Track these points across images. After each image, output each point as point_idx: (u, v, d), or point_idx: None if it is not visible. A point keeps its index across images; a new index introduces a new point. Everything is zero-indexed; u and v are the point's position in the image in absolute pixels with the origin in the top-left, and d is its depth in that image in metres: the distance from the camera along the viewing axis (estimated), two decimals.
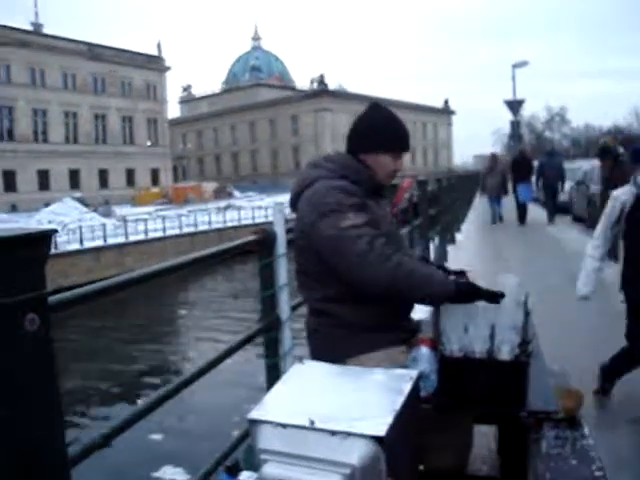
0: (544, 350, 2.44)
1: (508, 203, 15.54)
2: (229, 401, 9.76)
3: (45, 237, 1.16)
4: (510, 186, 15.39)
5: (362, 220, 1.89)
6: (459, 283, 1.90)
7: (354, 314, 1.97)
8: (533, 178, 14.55)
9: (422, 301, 1.99)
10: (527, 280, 2.34)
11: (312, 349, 2.10)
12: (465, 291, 1.87)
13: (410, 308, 2.14)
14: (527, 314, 2.00)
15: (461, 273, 2.16)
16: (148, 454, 8.41)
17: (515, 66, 24.15)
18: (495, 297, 1.87)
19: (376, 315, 1.97)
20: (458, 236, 12.13)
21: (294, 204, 2.11)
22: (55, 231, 1.26)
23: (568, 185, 14.53)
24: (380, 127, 2.12)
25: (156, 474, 7.89)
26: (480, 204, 19.55)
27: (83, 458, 1.40)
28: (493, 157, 16.99)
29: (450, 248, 9.93)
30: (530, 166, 14.83)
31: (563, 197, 14.62)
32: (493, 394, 1.90)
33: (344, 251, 1.85)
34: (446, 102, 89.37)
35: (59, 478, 1.17)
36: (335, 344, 1.97)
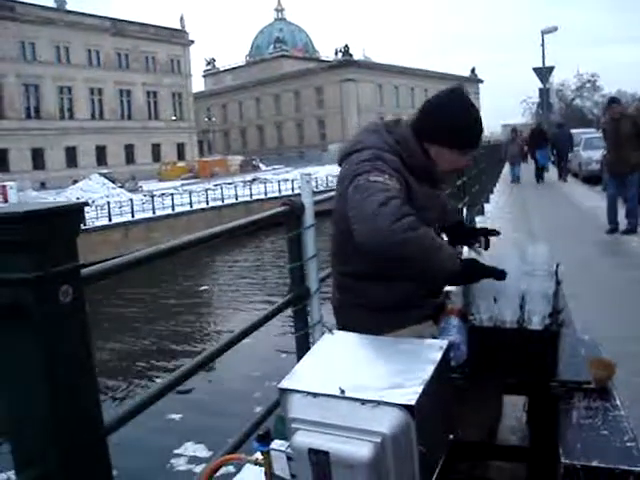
0: (575, 320, 2.42)
1: (526, 167, 19.94)
2: (257, 374, 9.89)
3: (77, 210, 1.17)
4: (529, 153, 19.78)
5: (395, 185, 1.78)
6: (466, 261, 1.85)
7: (377, 293, 1.93)
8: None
9: (424, 273, 1.83)
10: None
11: (338, 326, 2.09)
12: (470, 270, 1.82)
13: (439, 287, 2.08)
14: (558, 283, 1.97)
15: (486, 231, 2.18)
16: (170, 430, 8.49)
17: (544, 32, 23.59)
18: (500, 275, 1.83)
19: (401, 294, 1.92)
20: (487, 206, 11.99)
21: (341, 162, 2.01)
22: (86, 204, 1.27)
23: (599, 153, 14.88)
24: (457, 123, 1.94)
25: (177, 451, 7.98)
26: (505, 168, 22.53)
27: (119, 427, 1.43)
28: (514, 130, 20.92)
29: (478, 219, 9.83)
30: (545, 136, 18.76)
31: (594, 166, 16.54)
32: (523, 364, 1.88)
33: (366, 197, 1.72)
34: (473, 71, 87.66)
35: (96, 445, 1.20)
36: (358, 323, 1.89)
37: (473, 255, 2.09)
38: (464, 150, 2.00)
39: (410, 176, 1.90)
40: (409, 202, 1.81)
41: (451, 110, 1.95)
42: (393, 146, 1.92)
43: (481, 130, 2.01)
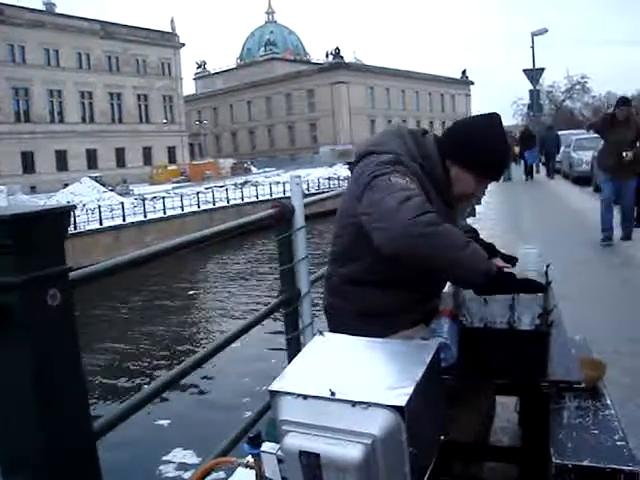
0: (565, 320, 2.42)
1: (516, 167, 21.55)
2: (247, 377, 9.85)
3: (64, 213, 1.16)
4: (519, 153, 21.13)
5: (415, 187, 1.72)
6: (501, 270, 1.75)
7: (369, 299, 1.91)
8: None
9: (454, 271, 1.70)
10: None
11: (329, 329, 2.06)
12: (507, 278, 1.73)
13: (433, 292, 2.04)
14: (548, 283, 1.98)
15: (504, 257, 2.05)
16: (158, 438, 8.41)
17: (534, 34, 23.76)
18: (537, 288, 1.78)
19: (396, 300, 1.90)
20: (478, 208, 12.03)
21: (358, 160, 1.94)
22: (73, 207, 1.26)
23: (589, 154, 15.34)
24: (488, 151, 1.88)
25: (165, 457, 7.89)
26: None
27: (108, 431, 1.42)
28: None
29: (470, 220, 9.87)
30: (534, 138, 20.69)
31: (585, 168, 16.62)
32: (514, 364, 1.89)
33: (386, 194, 1.66)
34: (464, 72, 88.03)
35: (85, 450, 1.19)
36: (349, 327, 1.84)
37: None
38: (485, 179, 1.97)
39: (429, 185, 1.86)
40: None
41: (486, 136, 1.90)
42: (415, 154, 1.88)
43: (507, 164, 1.98)
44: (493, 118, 1.93)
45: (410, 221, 1.59)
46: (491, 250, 2.08)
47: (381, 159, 1.82)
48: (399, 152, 1.85)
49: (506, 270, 1.79)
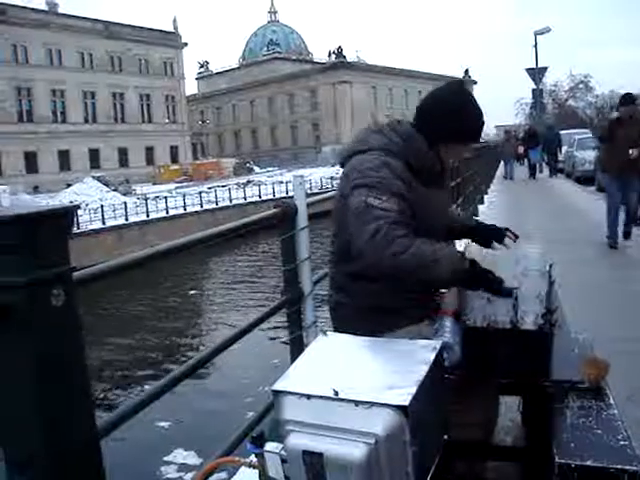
0: (568, 319, 2.42)
1: (518, 166, 22.54)
2: (250, 377, 9.85)
3: (67, 213, 1.16)
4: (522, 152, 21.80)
5: (394, 207, 1.79)
6: (470, 271, 1.79)
7: (375, 294, 1.93)
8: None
9: (436, 283, 1.93)
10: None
11: (334, 326, 2.09)
12: (475, 278, 1.79)
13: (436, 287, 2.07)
14: (551, 283, 1.98)
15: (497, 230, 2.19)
16: (160, 438, 8.42)
17: (537, 33, 23.73)
18: (508, 293, 1.81)
19: (398, 295, 1.92)
20: (481, 208, 12.01)
21: (343, 163, 2.02)
22: (77, 207, 1.26)
23: (592, 153, 15.31)
24: (457, 116, 1.95)
25: (167, 458, 7.90)
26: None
27: (112, 430, 1.42)
28: (507, 131, 23.53)
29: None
30: (537, 137, 21.18)
31: (588, 167, 16.68)
32: (517, 364, 1.89)
33: (361, 226, 1.79)
34: (466, 71, 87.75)
35: (89, 449, 1.20)
36: (354, 323, 1.91)
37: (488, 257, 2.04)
38: (466, 142, 2.05)
39: (414, 179, 1.90)
40: (416, 208, 1.85)
41: (451, 104, 1.98)
42: (399, 145, 1.93)
43: (482, 121, 2.03)
44: (459, 87, 2.06)
45: (380, 255, 1.74)
46: (495, 229, 2.25)
47: (366, 163, 1.89)
48: (383, 148, 1.92)
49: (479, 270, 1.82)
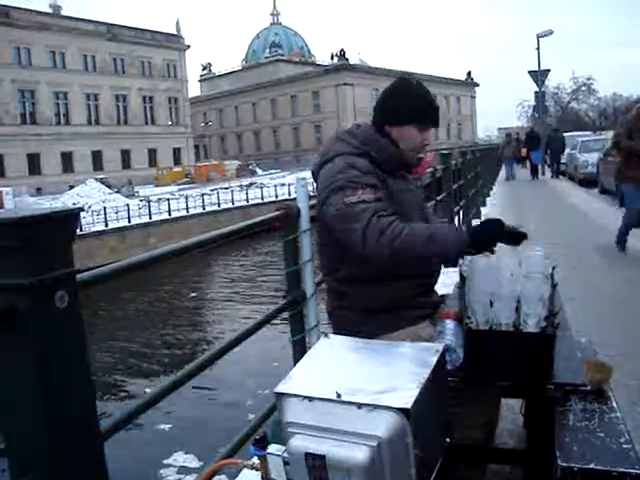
0: (571, 322, 2.42)
1: (520, 168, 23.86)
2: (253, 379, 9.84)
3: (72, 215, 1.17)
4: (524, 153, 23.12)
5: (371, 196, 1.84)
6: (473, 228, 1.84)
7: (370, 296, 1.95)
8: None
9: (441, 259, 1.97)
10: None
11: (334, 331, 2.09)
12: (483, 233, 1.81)
13: (431, 285, 2.11)
14: (554, 286, 1.98)
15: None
16: (162, 440, 8.38)
17: (540, 36, 23.73)
18: (518, 238, 1.83)
19: (393, 296, 1.94)
20: (484, 210, 12.01)
21: (316, 177, 2.08)
22: (81, 209, 1.27)
23: (595, 156, 15.85)
24: (405, 98, 2.05)
25: (166, 461, 7.87)
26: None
27: (115, 432, 1.43)
28: (508, 134, 24.74)
29: (475, 223, 9.84)
30: (539, 139, 21.94)
31: (591, 169, 16.85)
32: (519, 367, 1.88)
33: (349, 227, 1.81)
34: (469, 74, 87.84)
35: (93, 451, 1.20)
36: (353, 326, 1.94)
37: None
38: (419, 124, 2.05)
39: (382, 174, 1.97)
40: (389, 202, 1.89)
41: (395, 88, 2.09)
42: (360, 147, 1.99)
43: (429, 101, 2.08)
44: (401, 77, 2.15)
45: (376, 245, 1.75)
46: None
47: (334, 168, 1.95)
48: (347, 152, 1.98)
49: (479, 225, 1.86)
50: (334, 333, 2.05)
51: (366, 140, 2.03)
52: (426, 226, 1.90)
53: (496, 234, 1.82)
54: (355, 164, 1.93)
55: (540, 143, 21.74)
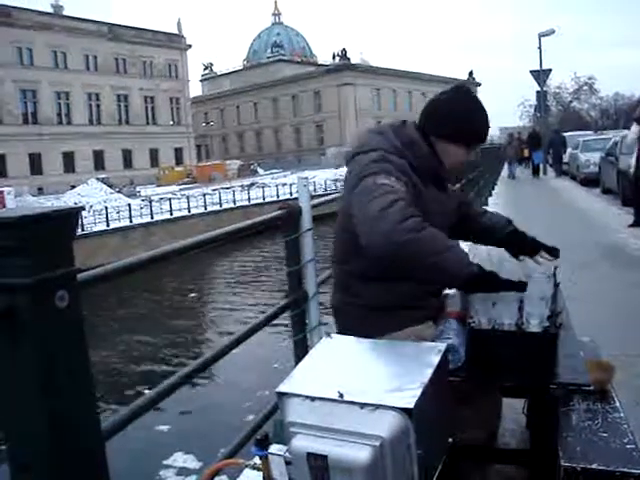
0: (574, 322, 2.41)
1: (522, 167, 24.64)
2: (254, 379, 9.82)
3: (73, 215, 1.16)
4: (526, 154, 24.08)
5: (402, 189, 1.74)
6: (481, 269, 1.70)
7: (378, 293, 1.92)
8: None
9: (432, 275, 1.72)
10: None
11: (337, 327, 2.08)
12: (484, 279, 1.69)
13: (437, 287, 2.07)
14: (556, 285, 1.97)
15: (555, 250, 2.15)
16: (163, 440, 8.36)
17: (542, 35, 23.73)
18: (520, 287, 1.75)
19: (402, 294, 1.91)
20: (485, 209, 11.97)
21: (347, 163, 2.01)
22: (82, 208, 1.26)
23: (596, 155, 15.86)
24: (465, 120, 1.95)
25: (166, 461, 7.85)
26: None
27: (116, 432, 1.42)
28: (510, 134, 26.34)
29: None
30: (540, 139, 22.80)
31: (592, 169, 16.81)
32: (522, 366, 1.88)
33: (372, 200, 1.68)
34: (470, 74, 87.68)
35: (94, 451, 1.19)
36: (358, 323, 1.92)
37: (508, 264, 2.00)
38: (470, 145, 2.01)
39: (417, 178, 1.89)
40: (416, 205, 1.76)
41: (454, 101, 1.98)
42: (399, 148, 1.91)
43: (488, 125, 2.02)
44: (460, 88, 2.04)
45: (392, 228, 1.61)
46: (532, 242, 2.19)
47: (369, 158, 1.86)
48: (384, 148, 1.89)
49: (488, 270, 1.73)
50: (337, 327, 2.05)
51: (409, 144, 1.94)
52: (447, 238, 1.73)
53: (495, 288, 1.75)
54: (390, 159, 1.85)
55: (541, 143, 22.65)
